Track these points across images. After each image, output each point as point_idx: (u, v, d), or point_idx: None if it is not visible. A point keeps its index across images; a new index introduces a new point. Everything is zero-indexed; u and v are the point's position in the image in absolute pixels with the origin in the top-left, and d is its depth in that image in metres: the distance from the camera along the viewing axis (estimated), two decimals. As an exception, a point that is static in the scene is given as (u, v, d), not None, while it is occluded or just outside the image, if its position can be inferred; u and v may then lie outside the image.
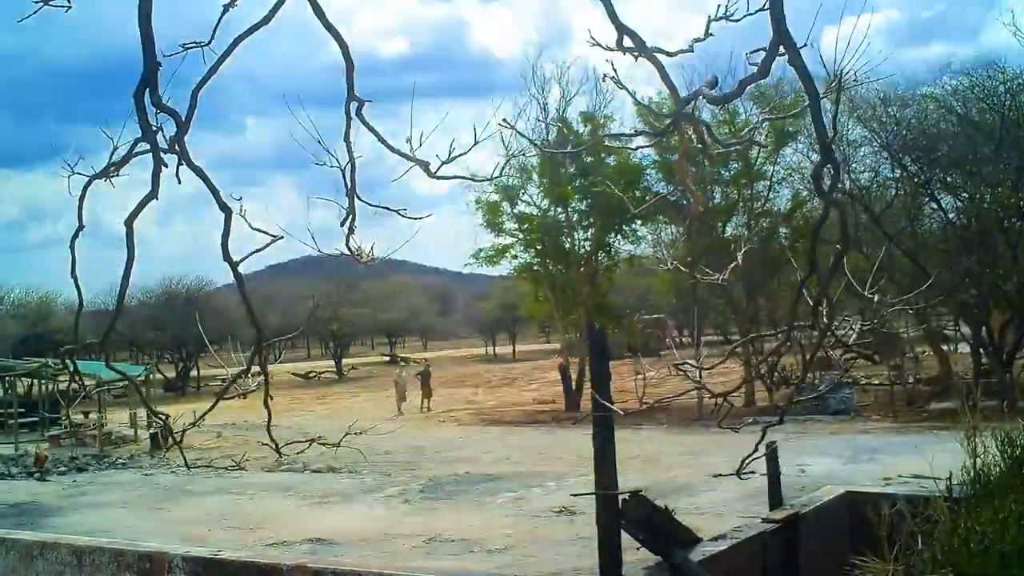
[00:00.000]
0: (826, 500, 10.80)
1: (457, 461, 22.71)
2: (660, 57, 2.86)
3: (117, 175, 2.95)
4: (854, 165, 30.29)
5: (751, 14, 2.82)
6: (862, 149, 30.78)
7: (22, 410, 34.48)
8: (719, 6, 2.98)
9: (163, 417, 3.64)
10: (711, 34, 3.06)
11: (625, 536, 7.93)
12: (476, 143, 3.28)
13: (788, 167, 33.24)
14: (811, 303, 3.30)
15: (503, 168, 29.00)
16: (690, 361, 4.63)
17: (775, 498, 10.33)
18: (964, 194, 29.81)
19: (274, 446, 4.26)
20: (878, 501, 8.66)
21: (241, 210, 3.11)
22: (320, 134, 3.29)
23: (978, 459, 7.29)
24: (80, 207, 2.96)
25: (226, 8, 2.96)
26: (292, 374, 63.59)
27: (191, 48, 2.92)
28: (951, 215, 30.50)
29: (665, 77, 2.88)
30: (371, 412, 36.77)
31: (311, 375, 64.73)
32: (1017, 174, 27.70)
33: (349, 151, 3.21)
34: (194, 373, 63.26)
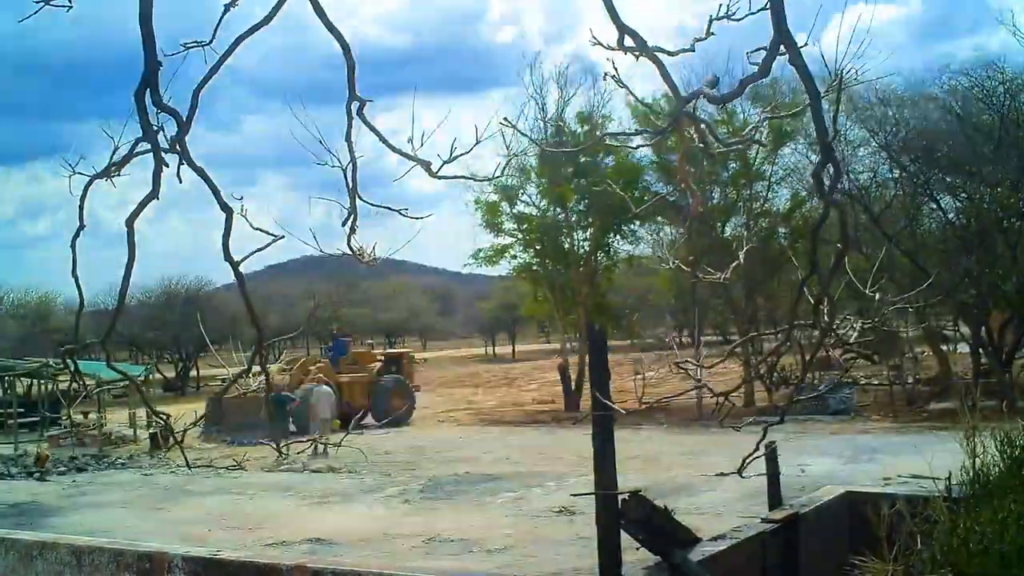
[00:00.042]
0: (826, 500, 10.81)
1: (457, 461, 22.70)
2: (661, 57, 2.86)
3: (118, 175, 2.95)
4: (853, 165, 30.32)
5: (752, 13, 2.82)
6: (861, 149, 30.83)
7: (22, 410, 34.46)
8: (720, 5, 2.98)
9: (164, 417, 3.64)
10: (712, 33, 3.06)
11: (625, 536, 7.94)
12: (478, 142, 3.28)
13: (786, 167, 33.29)
14: (812, 302, 3.30)
15: (504, 167, 29.04)
16: (691, 360, 4.63)
17: (775, 498, 10.34)
18: (963, 194, 29.81)
19: (275, 446, 4.27)
20: (878, 501, 8.66)
21: (242, 210, 3.11)
22: (316, 131, 3.29)
23: (977, 459, 7.30)
24: (81, 207, 2.96)
25: (227, 8, 2.96)
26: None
27: (192, 48, 2.92)
28: (950, 215, 30.52)
29: (666, 76, 2.88)
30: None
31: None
32: (1016, 174, 27.70)
33: (351, 151, 3.21)
34: (194, 373, 63.24)
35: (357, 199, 3.22)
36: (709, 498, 14.93)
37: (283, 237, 3.31)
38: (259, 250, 3.32)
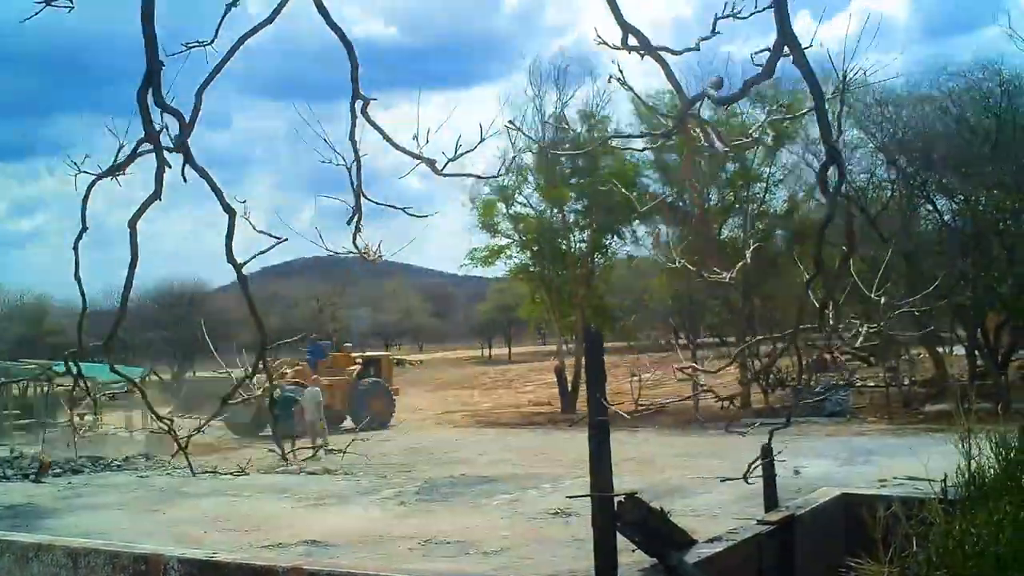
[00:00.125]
0: (822, 502, 10.82)
1: (453, 463, 22.69)
2: (666, 56, 2.86)
3: (123, 175, 2.95)
4: (850, 166, 30.35)
5: (757, 12, 2.82)
6: (858, 151, 30.88)
7: (17, 412, 34.34)
8: (725, 4, 2.98)
9: (168, 422, 3.63)
10: (718, 32, 3.06)
11: (621, 538, 7.94)
12: (482, 140, 3.28)
13: (784, 168, 33.33)
14: (817, 305, 3.30)
15: (508, 166, 29.02)
16: (695, 365, 4.64)
17: (770, 500, 10.34)
18: (960, 196, 29.86)
19: (280, 452, 4.27)
20: (873, 503, 8.66)
21: (245, 212, 3.11)
22: (316, 129, 3.28)
23: (973, 462, 7.31)
24: (84, 208, 2.95)
25: (229, 7, 2.96)
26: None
27: (194, 47, 2.92)
28: (947, 217, 30.58)
29: (671, 76, 2.88)
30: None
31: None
32: (1013, 176, 27.75)
33: (355, 149, 3.21)
34: (190, 375, 63.04)
35: (362, 197, 3.22)
36: (705, 500, 14.95)
37: (286, 239, 3.31)
38: (261, 253, 3.32)
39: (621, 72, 3.36)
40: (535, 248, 37.64)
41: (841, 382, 30.50)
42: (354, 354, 38.93)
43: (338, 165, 3.20)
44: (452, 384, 54.05)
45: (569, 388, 35.89)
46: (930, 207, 30.76)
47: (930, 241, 30.66)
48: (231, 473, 22.06)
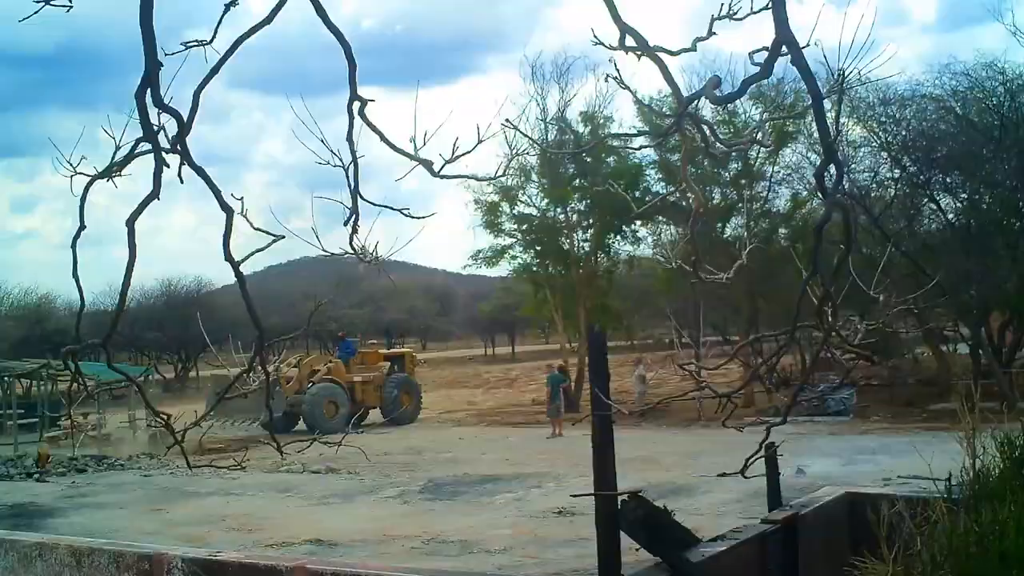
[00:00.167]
0: (826, 501, 10.79)
1: (456, 462, 22.71)
2: (663, 57, 2.85)
3: (119, 175, 2.94)
4: (853, 165, 30.32)
5: (754, 13, 2.81)
6: (861, 150, 30.84)
7: (21, 411, 34.43)
8: (722, 5, 2.98)
9: (165, 417, 3.63)
10: (714, 32, 3.05)
11: (624, 537, 7.92)
12: (480, 141, 3.26)
13: (788, 167, 33.29)
14: (815, 303, 3.29)
15: (507, 167, 29.00)
16: (693, 362, 4.63)
17: (774, 499, 10.32)
18: (963, 195, 29.82)
19: (276, 445, 4.28)
20: (877, 502, 8.64)
21: (243, 210, 3.10)
22: (315, 129, 3.27)
23: (977, 460, 7.28)
24: (81, 207, 2.95)
25: (227, 7, 2.96)
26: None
27: (193, 46, 2.92)
28: (950, 216, 30.52)
29: (668, 77, 2.87)
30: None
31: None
32: (1016, 175, 27.71)
33: (352, 150, 3.20)
34: (193, 374, 63.21)
35: (359, 198, 3.21)
36: (708, 499, 14.95)
37: (283, 237, 3.30)
38: (258, 251, 3.32)
39: (618, 72, 3.35)
40: (538, 247, 37.66)
41: (847, 381, 30.44)
42: (381, 351, 39.13)
43: (335, 166, 3.19)
44: (455, 382, 54.08)
45: (572, 387, 35.87)
46: (933, 206, 30.70)
47: (934, 240, 30.62)
48: (228, 467, 22.04)
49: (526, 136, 28.14)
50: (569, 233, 37.18)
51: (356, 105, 3.10)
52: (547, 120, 35.99)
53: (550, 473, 19.47)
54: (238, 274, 3.07)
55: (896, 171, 30.29)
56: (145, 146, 2.82)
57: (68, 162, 2.90)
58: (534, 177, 37.11)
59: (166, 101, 2.77)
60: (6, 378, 35.45)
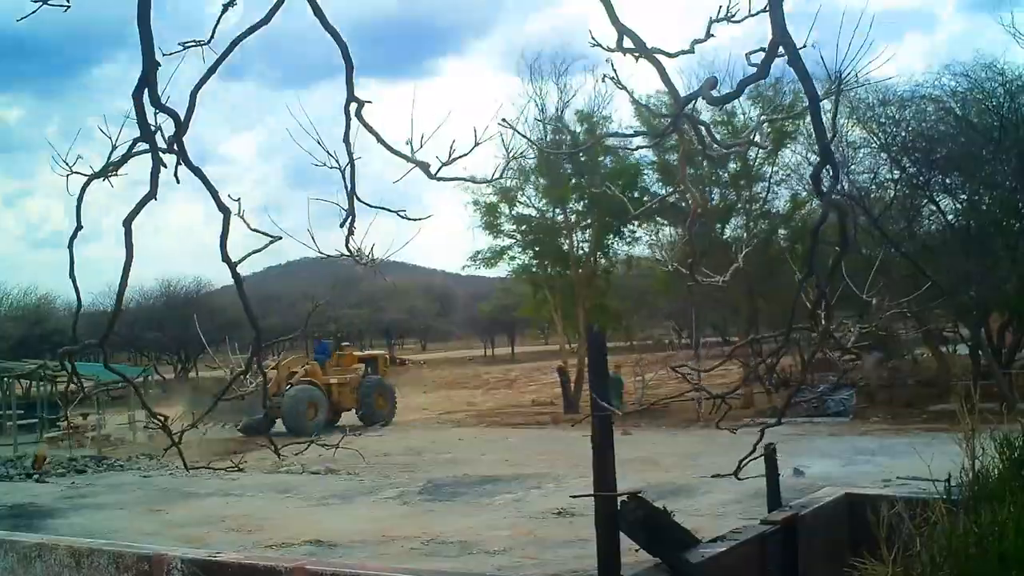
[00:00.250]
0: (825, 502, 10.78)
1: (455, 462, 22.70)
2: (660, 58, 2.85)
3: (116, 175, 2.94)
4: (853, 166, 30.34)
5: (752, 15, 2.81)
6: (861, 151, 30.83)
7: (20, 412, 34.42)
8: (720, 7, 2.97)
9: (162, 418, 3.62)
10: (712, 35, 3.05)
11: (624, 538, 7.92)
12: (477, 144, 3.26)
13: (786, 167, 33.30)
14: (810, 305, 3.29)
15: (504, 169, 29.02)
16: (689, 363, 4.64)
17: (774, 500, 10.32)
18: (963, 196, 29.82)
19: (273, 448, 4.27)
20: (877, 503, 8.63)
21: (240, 211, 3.09)
22: (311, 130, 3.26)
23: (977, 461, 7.28)
24: (78, 207, 2.94)
25: (225, 7, 2.95)
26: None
27: (190, 46, 2.91)
28: (950, 217, 30.52)
29: (665, 78, 2.87)
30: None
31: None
32: (1016, 176, 27.70)
33: (349, 152, 3.19)
34: (192, 375, 63.19)
35: (356, 200, 3.20)
36: (708, 499, 14.94)
37: (280, 238, 3.30)
38: (256, 251, 3.31)
39: (615, 72, 3.35)
40: (537, 248, 37.67)
41: (846, 382, 30.42)
42: (356, 353, 39.12)
43: (331, 168, 3.18)
44: (455, 383, 54.07)
45: (572, 387, 35.88)
46: (933, 207, 30.70)
47: (933, 241, 30.62)
48: (224, 469, 22.04)
49: (524, 137, 28.12)
50: (568, 234, 37.19)
51: (353, 107, 3.10)
52: (545, 121, 36.01)
53: (549, 474, 19.46)
54: (235, 275, 3.06)
55: (896, 172, 30.29)
56: (142, 146, 2.82)
57: (64, 161, 2.89)
58: (533, 178, 37.12)
59: (163, 101, 2.77)
60: (5, 379, 35.42)
